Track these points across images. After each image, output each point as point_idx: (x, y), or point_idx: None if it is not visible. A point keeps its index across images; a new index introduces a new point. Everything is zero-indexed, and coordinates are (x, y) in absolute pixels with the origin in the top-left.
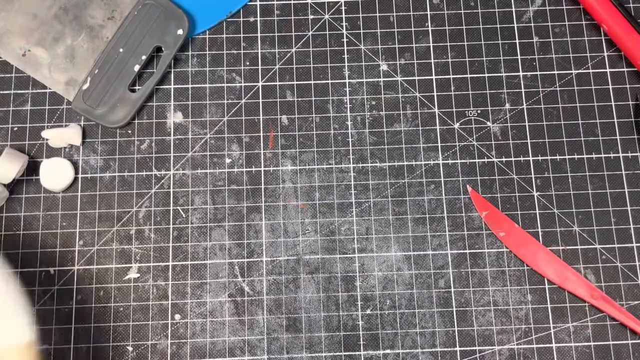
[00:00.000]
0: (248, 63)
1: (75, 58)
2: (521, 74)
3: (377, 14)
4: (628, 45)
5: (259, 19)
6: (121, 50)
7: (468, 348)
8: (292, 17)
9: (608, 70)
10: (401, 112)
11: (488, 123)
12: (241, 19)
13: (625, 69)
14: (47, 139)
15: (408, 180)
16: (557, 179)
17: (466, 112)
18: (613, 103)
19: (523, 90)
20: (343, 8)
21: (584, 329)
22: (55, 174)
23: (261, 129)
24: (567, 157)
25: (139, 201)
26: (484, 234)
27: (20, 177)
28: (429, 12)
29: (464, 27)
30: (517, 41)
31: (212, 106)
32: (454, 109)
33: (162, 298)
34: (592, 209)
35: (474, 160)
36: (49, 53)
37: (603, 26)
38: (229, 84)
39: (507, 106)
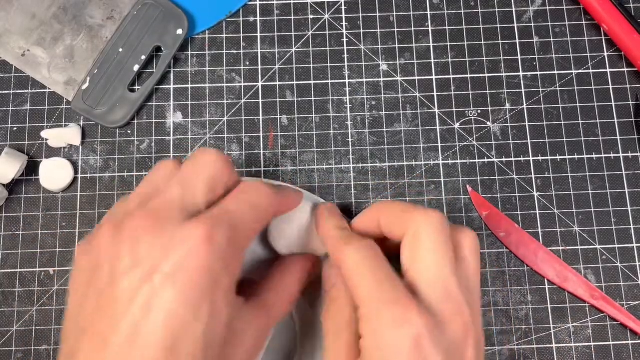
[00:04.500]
0: (248, 63)
1: (75, 58)
2: (521, 74)
3: (377, 14)
4: (628, 45)
5: (258, 18)
6: (120, 50)
7: None
8: (292, 17)
9: (608, 70)
10: (401, 112)
11: (488, 123)
12: (241, 19)
13: (625, 69)
14: (46, 139)
15: (408, 180)
16: (558, 179)
17: (466, 112)
18: (613, 103)
19: (523, 90)
20: (343, 8)
21: (584, 330)
22: (54, 174)
23: (261, 129)
24: (567, 157)
25: None
26: (484, 234)
27: (19, 177)
28: (429, 12)
29: (464, 27)
30: (517, 41)
31: (212, 106)
32: (454, 109)
33: None
34: (593, 209)
35: (474, 161)
36: (48, 53)
37: (603, 26)
38: (229, 84)
39: (507, 106)
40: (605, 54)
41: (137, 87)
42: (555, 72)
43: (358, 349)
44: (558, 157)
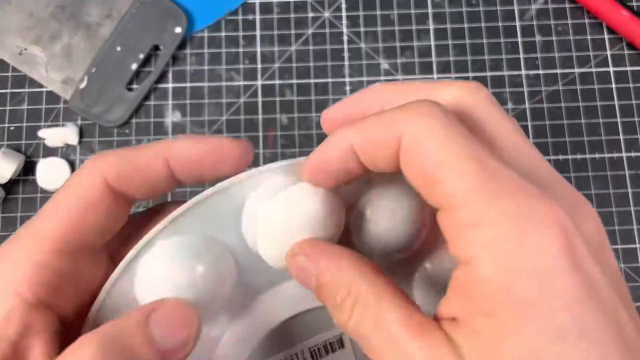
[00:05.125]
0: (247, 61)
1: (72, 56)
2: (523, 72)
3: (378, 12)
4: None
5: (258, 16)
6: (118, 48)
7: None
8: (292, 15)
9: (611, 69)
10: None
11: None
12: (240, 17)
13: (628, 68)
14: (43, 139)
15: None
16: None
17: None
18: (616, 102)
19: (525, 89)
20: (343, 6)
21: None
22: (52, 174)
23: (260, 128)
24: (569, 157)
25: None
26: None
27: (17, 177)
28: (430, 10)
29: (465, 25)
30: (519, 40)
31: (210, 105)
32: None
33: None
34: (595, 209)
35: None
36: (46, 52)
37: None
38: (228, 83)
39: (510, 105)
40: (608, 52)
41: (135, 86)
42: (558, 71)
43: (404, 298)
44: (560, 157)
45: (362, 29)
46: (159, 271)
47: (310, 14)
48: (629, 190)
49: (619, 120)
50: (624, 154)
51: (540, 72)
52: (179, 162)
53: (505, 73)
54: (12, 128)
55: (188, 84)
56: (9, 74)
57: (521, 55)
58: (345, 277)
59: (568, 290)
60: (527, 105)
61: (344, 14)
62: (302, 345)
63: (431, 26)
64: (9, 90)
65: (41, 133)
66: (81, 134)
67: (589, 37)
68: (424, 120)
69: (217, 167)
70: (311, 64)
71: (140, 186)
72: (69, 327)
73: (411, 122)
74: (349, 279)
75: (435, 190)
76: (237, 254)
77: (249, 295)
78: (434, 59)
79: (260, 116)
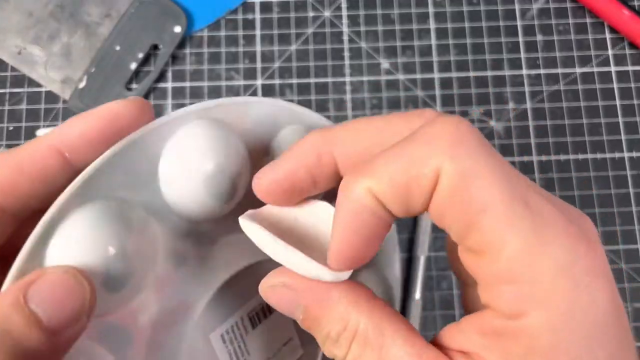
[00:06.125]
0: (247, 61)
1: (72, 56)
2: (524, 72)
3: (378, 11)
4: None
5: (258, 16)
6: (118, 48)
7: None
8: (292, 15)
9: (612, 69)
10: (403, 111)
11: (491, 122)
12: (240, 16)
13: (629, 68)
14: None
15: None
16: (561, 179)
17: (468, 111)
18: (618, 102)
19: (526, 89)
20: (343, 5)
21: None
22: None
23: None
24: (570, 157)
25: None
26: None
27: None
28: (430, 10)
29: (466, 24)
30: (520, 39)
31: None
32: (456, 108)
33: None
34: (597, 210)
35: None
36: (45, 51)
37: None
38: (228, 82)
39: (510, 105)
40: (610, 52)
41: (134, 86)
42: (559, 70)
43: (405, 327)
44: (562, 157)
45: (362, 29)
46: (69, 254)
47: (311, 13)
48: (631, 190)
49: (620, 120)
50: (625, 154)
51: (542, 71)
52: (74, 148)
53: (507, 73)
54: (11, 128)
55: (188, 84)
56: (8, 73)
57: (522, 55)
58: (339, 309)
59: (612, 341)
60: (528, 105)
61: (344, 13)
62: (240, 312)
63: (432, 25)
64: (7, 90)
65: (40, 133)
66: None
67: (590, 36)
68: (464, 152)
69: (118, 139)
70: (311, 64)
71: (32, 194)
72: None
73: (449, 155)
74: (344, 311)
75: (474, 235)
76: (159, 211)
77: (205, 247)
78: (434, 58)
79: None
